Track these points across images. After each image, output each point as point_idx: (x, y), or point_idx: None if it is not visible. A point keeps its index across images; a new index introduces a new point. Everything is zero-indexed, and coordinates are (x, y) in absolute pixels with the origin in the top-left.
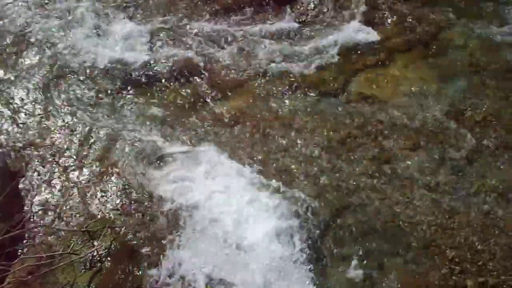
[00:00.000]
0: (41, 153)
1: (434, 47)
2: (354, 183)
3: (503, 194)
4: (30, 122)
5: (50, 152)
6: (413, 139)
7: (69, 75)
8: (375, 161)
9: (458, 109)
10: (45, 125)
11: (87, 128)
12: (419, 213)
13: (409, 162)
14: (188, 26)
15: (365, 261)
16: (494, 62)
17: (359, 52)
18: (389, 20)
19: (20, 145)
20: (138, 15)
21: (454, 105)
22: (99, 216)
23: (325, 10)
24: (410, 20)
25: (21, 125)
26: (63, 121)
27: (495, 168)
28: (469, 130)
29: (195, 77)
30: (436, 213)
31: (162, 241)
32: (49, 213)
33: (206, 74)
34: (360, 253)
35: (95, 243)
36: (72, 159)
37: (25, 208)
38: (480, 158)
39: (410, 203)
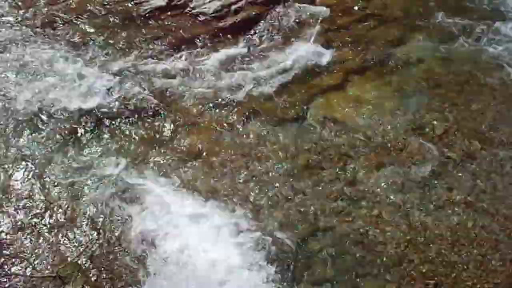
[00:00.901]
0: (7, 200)
1: (390, 65)
2: (320, 207)
3: (471, 205)
4: None
5: (16, 199)
6: (376, 159)
7: (30, 120)
8: (339, 184)
9: (419, 125)
10: (9, 172)
11: (52, 172)
12: (388, 231)
13: (374, 182)
14: (145, 64)
15: (338, 285)
16: (451, 75)
17: (316, 75)
18: (344, 41)
19: None
20: (94, 57)
21: (414, 121)
22: (69, 260)
23: (281, 35)
24: (365, 39)
25: None
26: (28, 167)
27: (461, 179)
28: (432, 144)
29: (155, 114)
30: (406, 230)
31: (133, 281)
32: (19, 261)
33: (166, 110)
34: (333, 277)
35: None
36: (40, 204)
37: None
38: (445, 171)
39: (378, 222)
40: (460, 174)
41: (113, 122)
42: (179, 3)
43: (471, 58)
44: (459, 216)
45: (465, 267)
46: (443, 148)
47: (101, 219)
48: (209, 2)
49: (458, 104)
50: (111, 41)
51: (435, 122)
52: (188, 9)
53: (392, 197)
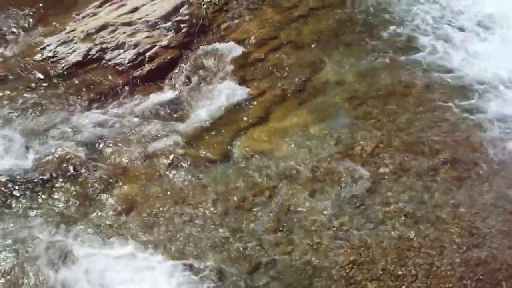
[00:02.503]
0: None
1: (310, 90)
2: (259, 242)
3: (410, 215)
4: None
5: None
6: (308, 186)
7: None
8: (275, 217)
9: (347, 145)
10: None
11: None
12: (331, 255)
13: (310, 210)
14: (68, 120)
15: None
16: (373, 92)
17: (237, 112)
18: (261, 73)
19: None
20: (10, 120)
21: (341, 142)
22: None
23: (198, 77)
24: (282, 68)
25: None
26: None
27: (397, 192)
28: (362, 163)
29: (82, 172)
30: (349, 251)
31: None
32: None
33: (92, 166)
34: None
35: None
36: None
37: None
38: (380, 186)
39: (319, 249)
40: (395, 188)
41: (42, 184)
42: (95, 56)
43: (389, 71)
44: (400, 229)
45: (415, 278)
46: (375, 164)
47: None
48: (124, 52)
49: (384, 119)
50: (33, 101)
51: (363, 141)
52: (105, 61)
53: (329, 222)
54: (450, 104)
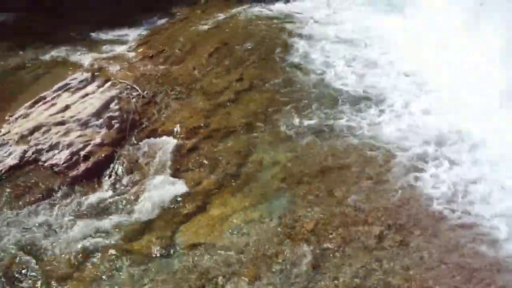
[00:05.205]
0: None
1: (246, 175)
2: None
3: (361, 286)
4: None
5: None
6: (252, 272)
7: None
8: None
9: (287, 226)
10: None
11: None
12: None
13: None
14: (8, 224)
15: None
16: (307, 168)
17: (176, 204)
18: (196, 163)
19: None
20: None
21: (282, 223)
22: None
23: (133, 173)
24: (216, 156)
25: None
26: None
27: (344, 265)
28: (305, 241)
29: (28, 273)
30: None
31: None
32: None
33: (37, 267)
34: None
35: None
36: None
37: None
38: (326, 262)
39: None
40: (341, 261)
41: None
42: (30, 159)
43: (322, 147)
44: None
45: None
46: (318, 240)
47: None
48: (59, 152)
49: (321, 194)
50: None
51: (303, 219)
52: (41, 163)
53: None
54: (386, 171)
